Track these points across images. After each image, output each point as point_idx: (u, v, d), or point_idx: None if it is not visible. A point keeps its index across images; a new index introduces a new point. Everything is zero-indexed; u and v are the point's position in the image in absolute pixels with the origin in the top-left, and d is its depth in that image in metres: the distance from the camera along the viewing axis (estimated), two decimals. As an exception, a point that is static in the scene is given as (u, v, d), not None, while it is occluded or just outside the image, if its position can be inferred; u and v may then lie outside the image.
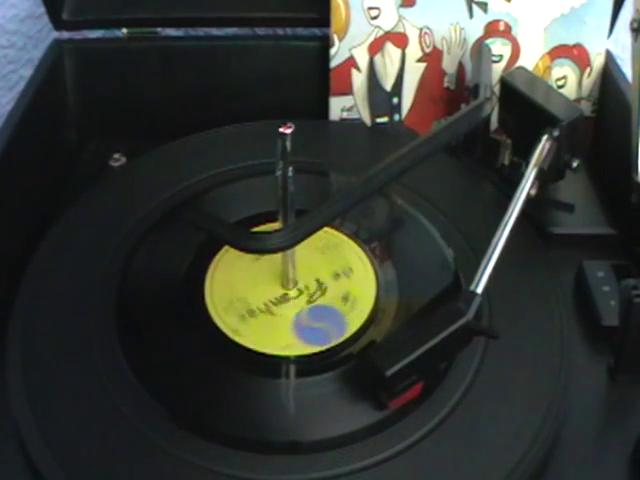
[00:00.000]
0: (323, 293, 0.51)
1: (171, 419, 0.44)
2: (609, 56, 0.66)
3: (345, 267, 0.53)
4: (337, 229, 0.55)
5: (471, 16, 0.65)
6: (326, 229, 0.54)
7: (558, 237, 0.57)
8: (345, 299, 0.51)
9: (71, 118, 0.69)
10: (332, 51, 0.66)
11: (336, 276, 0.52)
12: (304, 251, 0.51)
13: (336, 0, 0.64)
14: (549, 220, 0.58)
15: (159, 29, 0.69)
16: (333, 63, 0.66)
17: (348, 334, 0.49)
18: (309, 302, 0.51)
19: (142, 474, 0.42)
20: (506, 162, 0.61)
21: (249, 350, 0.48)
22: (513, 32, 0.65)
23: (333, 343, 0.48)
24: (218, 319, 0.49)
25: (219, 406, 0.45)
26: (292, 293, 0.51)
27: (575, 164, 0.56)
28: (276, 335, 0.49)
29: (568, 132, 0.55)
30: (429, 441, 0.43)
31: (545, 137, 0.54)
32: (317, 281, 0.52)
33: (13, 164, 0.56)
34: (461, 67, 0.67)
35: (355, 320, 0.50)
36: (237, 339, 0.48)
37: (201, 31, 0.73)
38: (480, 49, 0.64)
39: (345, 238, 0.55)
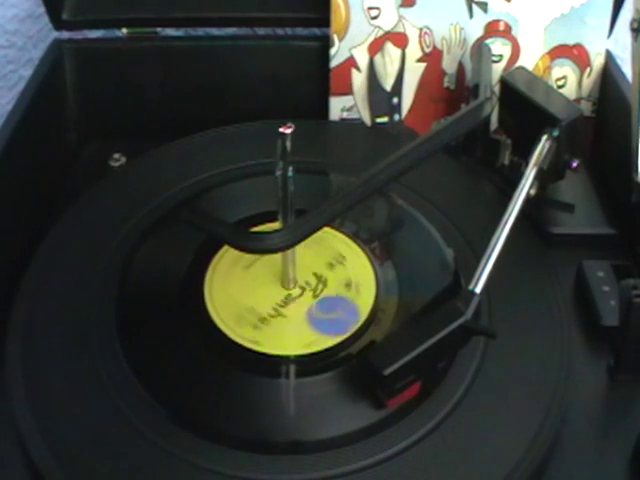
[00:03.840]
0: (325, 285, 0.52)
1: (171, 419, 0.44)
2: (609, 56, 0.66)
3: (336, 255, 0.53)
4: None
5: (471, 16, 0.65)
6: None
7: (558, 237, 0.57)
8: (348, 285, 0.51)
9: (71, 118, 0.69)
10: (332, 51, 0.66)
11: (331, 266, 0.53)
12: (324, 255, 0.53)
13: (336, 0, 0.64)
14: (549, 220, 0.58)
15: (159, 29, 0.69)
16: (333, 63, 0.66)
17: (363, 318, 0.49)
18: (315, 297, 0.51)
19: (142, 474, 0.42)
20: (506, 162, 0.61)
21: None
22: (513, 32, 0.65)
23: (353, 329, 0.49)
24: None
25: (219, 406, 0.45)
26: (295, 292, 0.51)
27: (575, 164, 0.56)
28: (296, 335, 0.49)
29: (568, 132, 0.55)
30: (429, 441, 0.43)
31: (545, 137, 0.54)
32: (315, 275, 0.52)
33: (13, 164, 0.56)
34: (461, 67, 0.67)
35: (365, 303, 0.50)
36: (260, 349, 0.48)
37: (201, 31, 0.73)
38: (480, 49, 0.64)
39: (326, 228, 0.53)
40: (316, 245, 0.54)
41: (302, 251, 0.51)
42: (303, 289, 0.51)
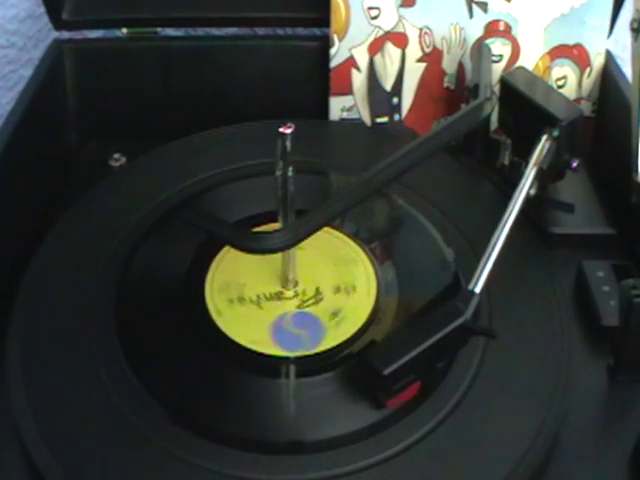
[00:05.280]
0: (316, 302, 0.51)
1: (171, 419, 0.44)
2: (609, 56, 0.66)
3: (350, 284, 0.52)
4: (351, 238, 0.55)
5: (471, 16, 0.65)
6: (347, 240, 0.55)
7: (558, 237, 0.57)
8: (334, 315, 0.50)
9: (71, 118, 0.69)
10: (332, 51, 0.66)
11: (337, 290, 0.52)
12: (318, 257, 0.52)
13: (336, 0, 0.64)
14: (549, 220, 0.58)
15: (159, 29, 0.69)
16: (333, 63, 0.66)
17: (318, 349, 0.48)
18: (299, 307, 0.51)
19: (142, 474, 0.42)
20: (506, 162, 0.61)
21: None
22: (513, 32, 0.65)
23: (299, 353, 0.48)
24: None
25: (219, 406, 0.45)
26: (288, 293, 0.51)
27: (575, 164, 0.56)
28: (251, 327, 0.49)
29: (568, 132, 0.55)
30: (429, 441, 0.43)
31: (545, 137, 0.54)
32: (316, 289, 0.52)
33: (13, 164, 0.56)
34: (461, 67, 0.67)
35: (332, 338, 0.49)
36: (216, 319, 0.49)
37: (201, 31, 0.73)
38: (480, 49, 0.64)
39: (363, 256, 0.54)
40: (343, 266, 0.53)
41: (326, 264, 0.52)
42: (296, 294, 0.51)
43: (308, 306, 0.51)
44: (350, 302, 0.51)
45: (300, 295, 0.51)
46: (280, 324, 0.49)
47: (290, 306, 0.51)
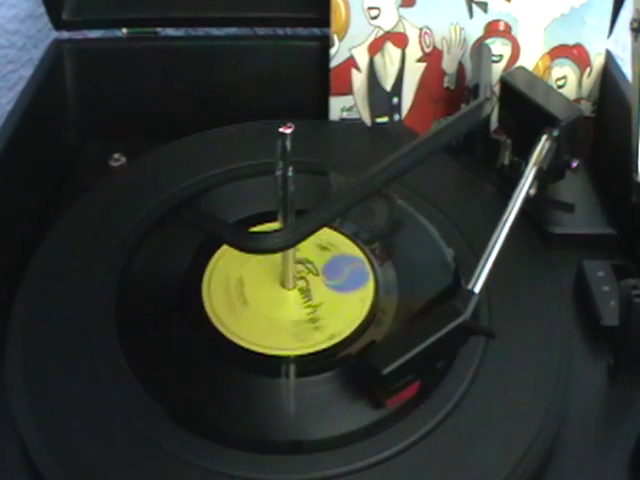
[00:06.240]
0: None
1: (171, 419, 0.44)
2: (609, 56, 0.66)
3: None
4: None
5: (471, 16, 0.65)
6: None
7: (558, 237, 0.57)
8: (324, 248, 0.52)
9: (71, 118, 0.69)
10: (332, 51, 0.66)
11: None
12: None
13: (336, 0, 0.64)
14: (549, 220, 0.58)
15: (159, 29, 0.69)
16: (333, 63, 0.66)
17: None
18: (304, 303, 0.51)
19: (142, 474, 0.42)
20: (506, 162, 0.61)
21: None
22: (513, 32, 0.65)
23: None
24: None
25: (219, 406, 0.45)
26: (288, 293, 0.52)
27: (575, 164, 0.56)
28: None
29: (568, 132, 0.55)
30: (429, 441, 0.43)
31: (545, 137, 0.54)
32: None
33: (13, 164, 0.56)
34: (461, 67, 0.67)
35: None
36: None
37: (201, 31, 0.73)
38: (480, 49, 0.64)
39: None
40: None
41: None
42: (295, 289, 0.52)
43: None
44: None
45: (300, 291, 0.51)
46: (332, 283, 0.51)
47: (292, 306, 0.51)
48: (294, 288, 0.52)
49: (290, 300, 0.51)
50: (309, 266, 0.52)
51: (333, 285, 0.51)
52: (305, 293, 0.51)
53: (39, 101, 0.62)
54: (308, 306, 0.51)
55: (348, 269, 0.52)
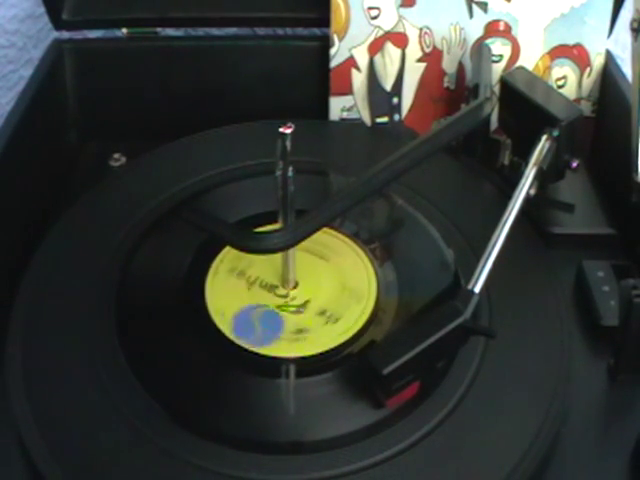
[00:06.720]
0: (295, 313, 0.50)
1: (171, 419, 0.44)
2: (609, 56, 0.66)
3: (336, 316, 0.50)
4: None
5: (471, 16, 0.65)
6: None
7: (558, 237, 0.57)
8: (298, 332, 0.49)
9: (71, 118, 0.69)
10: (332, 51, 0.66)
11: (321, 314, 0.50)
12: (330, 275, 0.52)
13: (336, 0, 0.64)
14: (549, 220, 0.58)
15: (159, 29, 0.69)
16: (333, 63, 0.66)
17: (261, 351, 0.47)
18: (279, 307, 0.50)
19: (142, 474, 0.42)
20: (506, 162, 0.61)
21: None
22: (513, 32, 0.65)
23: (242, 344, 0.48)
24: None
25: (219, 406, 0.45)
26: (280, 291, 0.51)
27: (575, 164, 0.56)
28: (230, 300, 0.50)
29: (568, 132, 0.55)
30: (429, 441, 0.43)
31: (545, 137, 0.54)
32: (305, 302, 0.51)
33: (13, 164, 0.56)
34: (461, 67, 0.67)
35: (279, 349, 0.48)
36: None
37: (201, 31, 0.73)
38: (480, 49, 0.64)
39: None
40: (349, 296, 0.51)
41: (337, 287, 0.52)
42: (285, 296, 0.51)
43: (286, 310, 0.50)
44: (323, 330, 0.49)
45: (288, 298, 0.51)
46: (248, 311, 0.50)
47: (273, 302, 0.51)
48: (289, 289, 0.52)
49: (273, 295, 0.51)
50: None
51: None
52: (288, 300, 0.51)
53: (39, 101, 0.62)
54: (286, 311, 0.51)
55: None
